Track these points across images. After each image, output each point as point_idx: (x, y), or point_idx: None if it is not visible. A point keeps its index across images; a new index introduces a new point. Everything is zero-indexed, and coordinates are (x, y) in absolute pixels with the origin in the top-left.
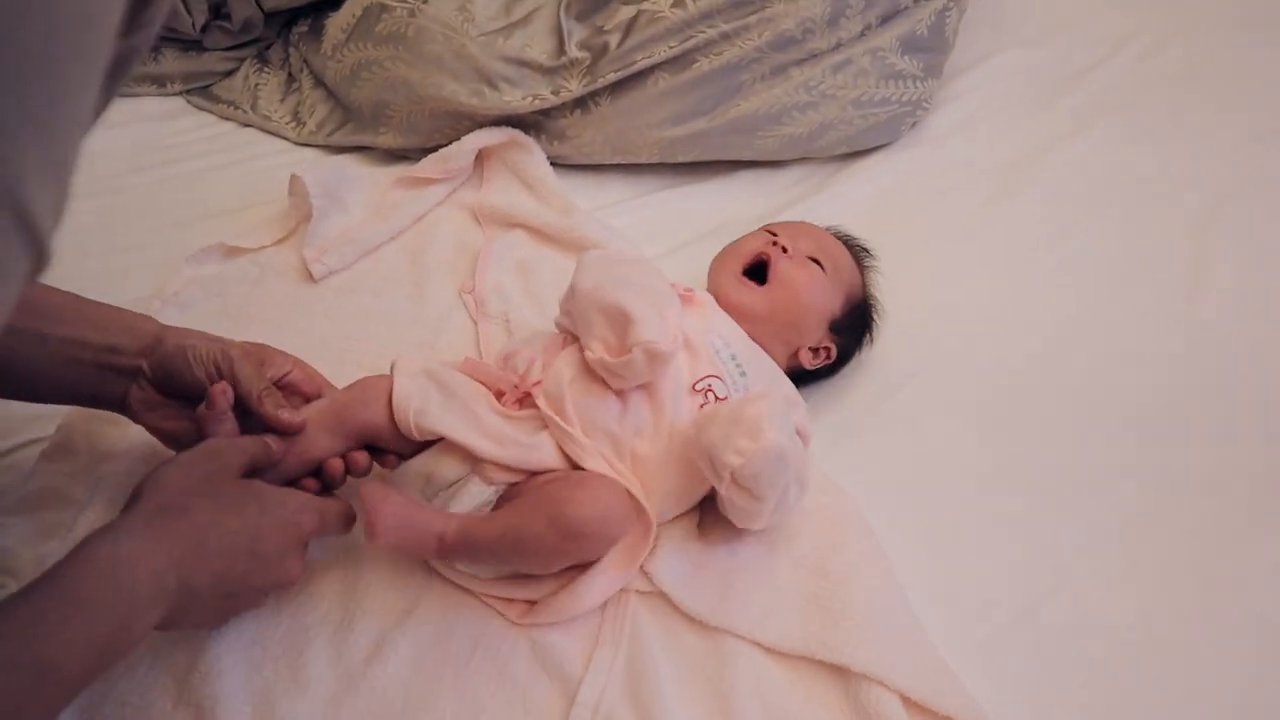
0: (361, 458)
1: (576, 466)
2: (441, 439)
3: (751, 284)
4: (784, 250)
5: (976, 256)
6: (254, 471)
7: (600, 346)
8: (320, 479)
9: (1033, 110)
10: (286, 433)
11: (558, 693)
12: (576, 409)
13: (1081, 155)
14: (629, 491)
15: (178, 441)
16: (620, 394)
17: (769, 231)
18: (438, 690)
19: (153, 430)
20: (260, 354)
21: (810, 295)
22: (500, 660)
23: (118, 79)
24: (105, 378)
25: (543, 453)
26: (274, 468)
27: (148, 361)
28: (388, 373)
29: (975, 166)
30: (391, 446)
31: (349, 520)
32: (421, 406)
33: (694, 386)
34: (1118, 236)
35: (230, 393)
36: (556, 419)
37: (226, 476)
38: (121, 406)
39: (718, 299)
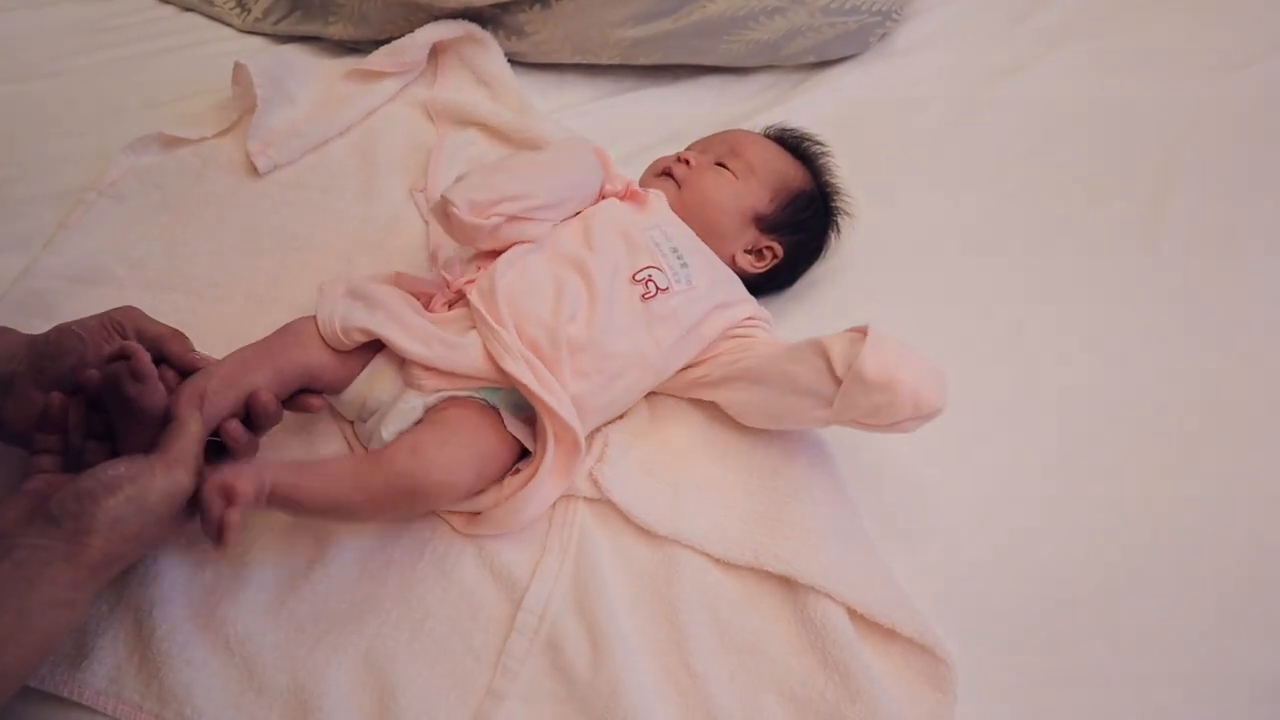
0: (269, 401)
1: (500, 369)
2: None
3: (668, 179)
4: (686, 164)
5: (938, 175)
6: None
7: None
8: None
9: (1003, 28)
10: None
11: (504, 599)
12: (508, 299)
13: (1049, 76)
14: (511, 439)
15: (50, 453)
16: (555, 280)
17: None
18: (382, 593)
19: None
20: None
21: (718, 198)
22: (447, 565)
23: None
24: None
25: (469, 354)
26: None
27: (26, 356)
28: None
29: (942, 83)
30: (328, 382)
31: None
32: (346, 314)
33: (634, 276)
34: (1082, 160)
35: (146, 354)
36: (485, 315)
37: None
38: None
39: None
